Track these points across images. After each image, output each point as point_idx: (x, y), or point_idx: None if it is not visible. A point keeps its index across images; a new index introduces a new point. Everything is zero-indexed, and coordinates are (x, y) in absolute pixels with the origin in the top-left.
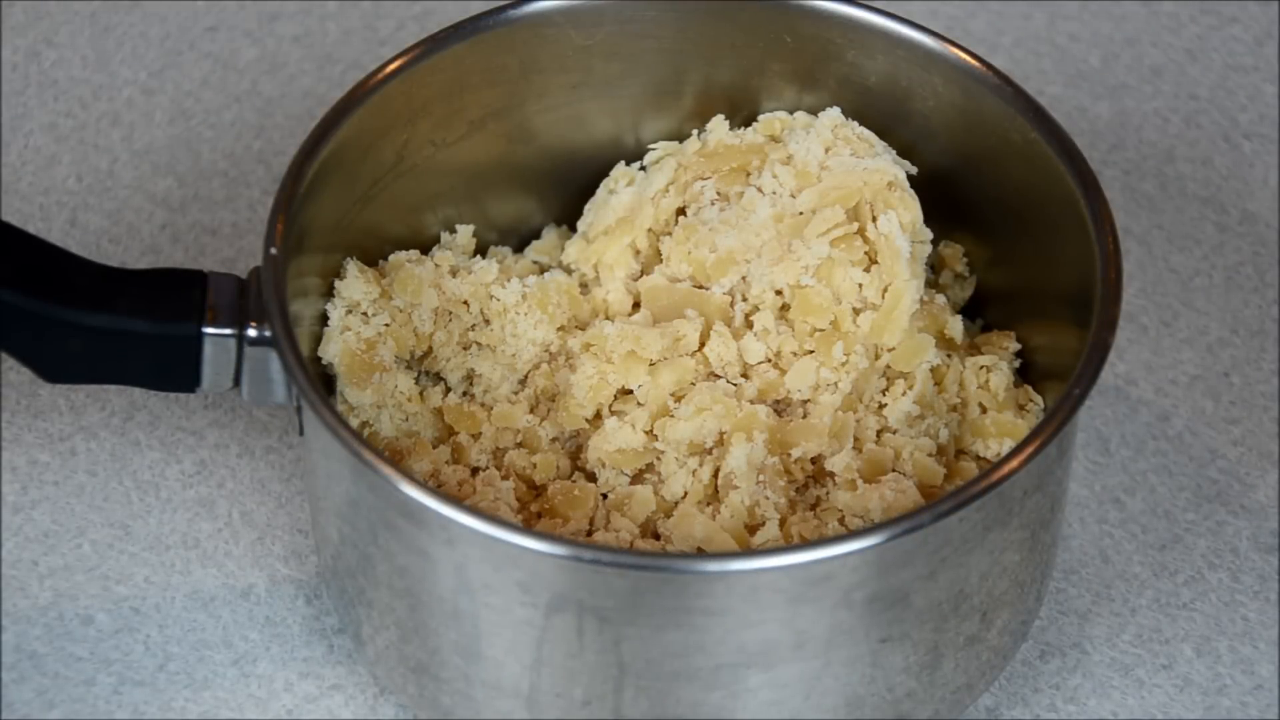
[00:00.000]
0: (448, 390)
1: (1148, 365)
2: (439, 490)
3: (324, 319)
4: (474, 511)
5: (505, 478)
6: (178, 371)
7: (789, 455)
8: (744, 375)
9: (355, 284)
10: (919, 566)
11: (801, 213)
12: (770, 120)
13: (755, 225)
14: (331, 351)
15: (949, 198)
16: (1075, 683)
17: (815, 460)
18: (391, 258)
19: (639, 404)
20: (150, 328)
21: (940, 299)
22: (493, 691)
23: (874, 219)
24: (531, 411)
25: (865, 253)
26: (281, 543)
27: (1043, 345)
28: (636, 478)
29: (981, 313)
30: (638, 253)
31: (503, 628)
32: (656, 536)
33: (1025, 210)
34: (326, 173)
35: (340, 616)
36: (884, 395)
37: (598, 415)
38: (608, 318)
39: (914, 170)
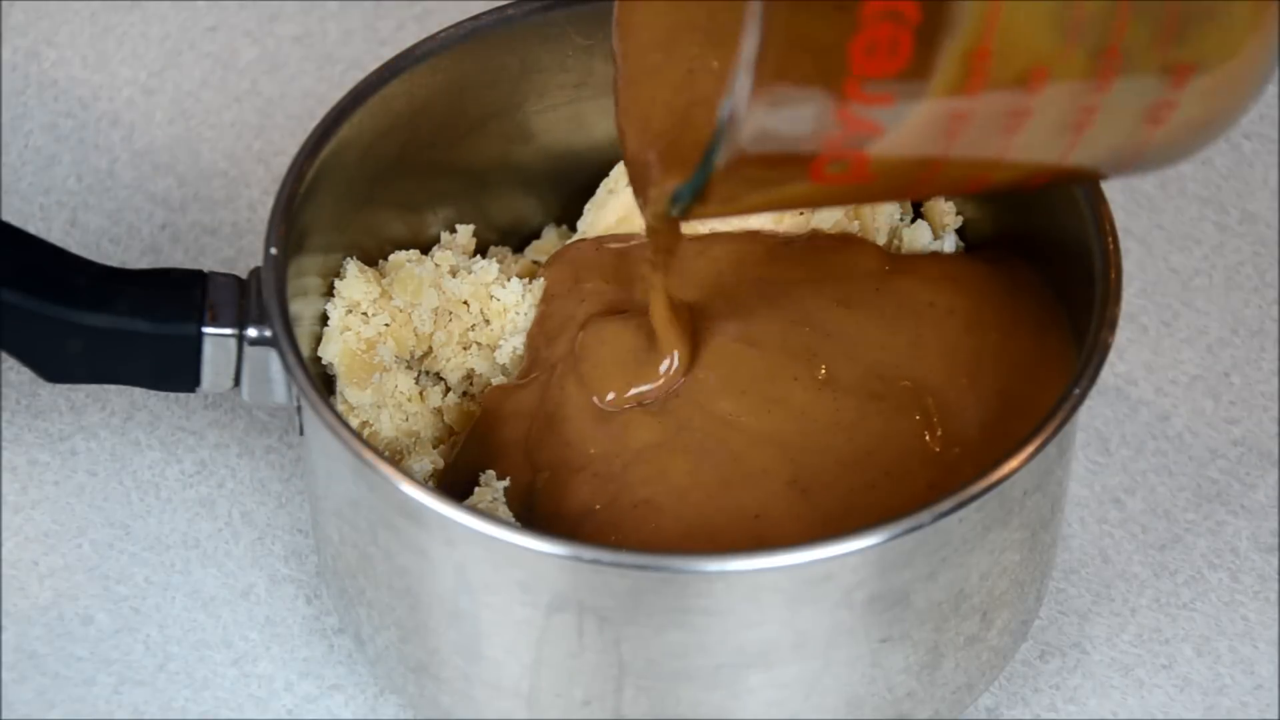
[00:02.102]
0: (447, 390)
1: (1148, 365)
2: (439, 490)
3: (324, 319)
4: (474, 511)
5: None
6: (178, 371)
7: None
8: None
9: (355, 284)
10: (919, 566)
11: (802, 213)
12: None
13: (755, 225)
14: (331, 351)
15: (951, 200)
16: (1075, 683)
17: None
18: (391, 258)
19: None
20: (150, 328)
21: None
22: (493, 691)
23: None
24: None
25: None
26: (281, 543)
27: None
28: None
29: None
30: None
31: (503, 628)
32: None
33: (1024, 210)
34: (326, 173)
35: (340, 616)
36: None
37: None
38: None
39: None
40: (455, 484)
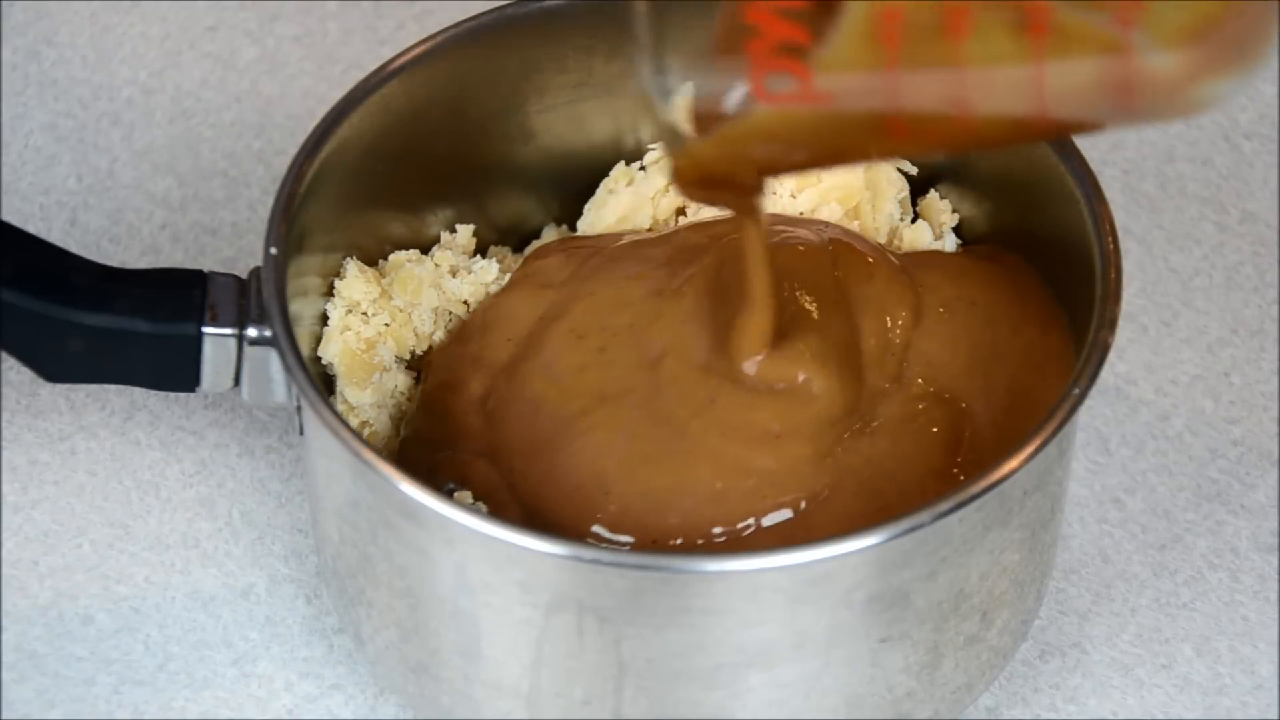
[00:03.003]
0: None
1: (1148, 365)
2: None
3: (324, 319)
4: (474, 511)
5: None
6: (178, 371)
7: None
8: None
9: (355, 284)
10: (919, 566)
11: (802, 213)
12: None
13: None
14: (331, 351)
15: (947, 198)
16: (1075, 683)
17: None
18: (391, 258)
19: None
20: (150, 328)
21: None
22: (493, 691)
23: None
24: None
25: None
26: (281, 543)
27: None
28: None
29: None
30: None
31: (503, 628)
32: None
33: (1024, 210)
34: (326, 173)
35: (340, 616)
36: None
37: None
38: None
39: (914, 171)
40: (408, 458)
